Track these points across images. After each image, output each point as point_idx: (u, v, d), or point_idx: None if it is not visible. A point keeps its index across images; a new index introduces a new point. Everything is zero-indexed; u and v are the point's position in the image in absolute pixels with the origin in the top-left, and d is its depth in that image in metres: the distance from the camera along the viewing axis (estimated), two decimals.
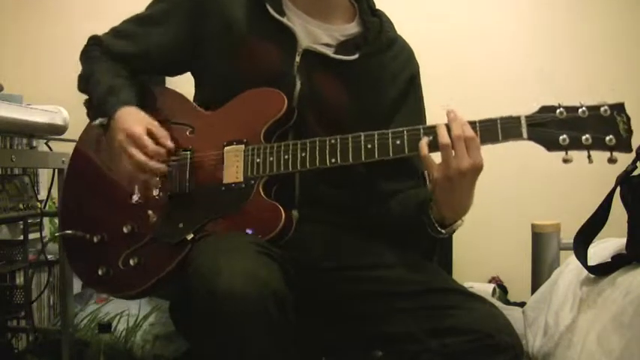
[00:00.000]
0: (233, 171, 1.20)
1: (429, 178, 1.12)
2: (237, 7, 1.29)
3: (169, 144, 1.23)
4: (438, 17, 2.69)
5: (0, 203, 1.71)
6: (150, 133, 1.22)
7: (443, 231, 1.14)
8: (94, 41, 1.40)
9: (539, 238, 1.74)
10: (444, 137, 1.06)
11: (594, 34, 2.62)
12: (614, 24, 2.61)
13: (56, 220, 2.03)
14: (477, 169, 1.06)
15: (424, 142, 1.08)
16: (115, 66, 1.35)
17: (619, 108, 1.04)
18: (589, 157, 1.04)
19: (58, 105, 1.85)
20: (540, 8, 2.68)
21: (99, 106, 1.29)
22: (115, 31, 1.40)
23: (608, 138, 1.02)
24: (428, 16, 2.68)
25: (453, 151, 1.05)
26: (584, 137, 1.03)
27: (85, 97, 1.37)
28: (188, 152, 1.25)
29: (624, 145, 1.02)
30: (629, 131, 1.03)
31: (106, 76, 1.32)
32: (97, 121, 1.28)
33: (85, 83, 1.36)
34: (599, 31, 2.62)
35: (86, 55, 1.40)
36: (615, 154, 1.03)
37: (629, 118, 1.03)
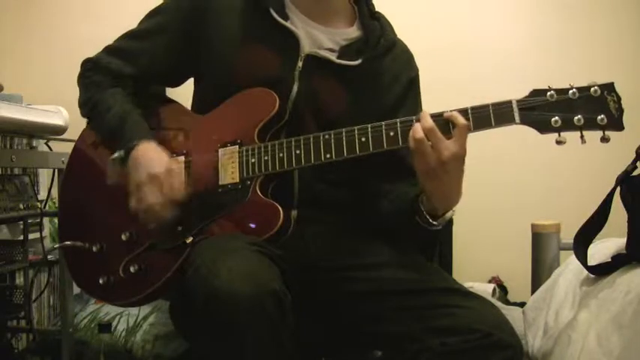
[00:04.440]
0: (229, 172, 1.20)
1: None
2: (237, 12, 1.28)
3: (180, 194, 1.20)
4: (437, 15, 2.69)
5: (0, 203, 1.71)
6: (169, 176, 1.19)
7: (435, 222, 1.15)
8: (90, 64, 1.36)
9: (539, 238, 1.74)
10: (417, 132, 1.07)
11: (593, 33, 2.62)
12: (614, 23, 2.62)
13: (56, 220, 2.03)
14: (457, 157, 1.07)
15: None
16: (120, 91, 1.31)
17: (609, 87, 1.05)
18: (582, 137, 1.05)
19: (58, 105, 1.85)
20: (541, 8, 2.69)
21: (113, 138, 1.26)
22: (110, 50, 1.36)
23: (599, 117, 1.03)
24: (427, 14, 2.68)
25: (430, 143, 1.06)
26: (575, 118, 1.04)
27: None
28: (182, 157, 1.26)
29: (616, 123, 1.03)
30: (620, 110, 1.04)
31: (114, 103, 1.29)
32: (116, 155, 1.23)
33: (89, 110, 1.33)
34: (599, 30, 2.62)
35: (86, 81, 1.35)
36: (608, 133, 1.04)
37: (619, 98, 1.04)
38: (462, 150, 1.06)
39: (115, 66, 1.33)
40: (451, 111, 1.08)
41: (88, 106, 1.33)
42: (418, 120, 1.09)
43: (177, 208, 1.19)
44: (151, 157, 1.21)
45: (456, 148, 1.06)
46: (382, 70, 1.32)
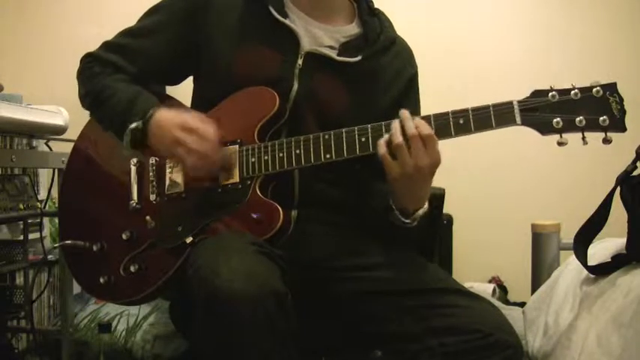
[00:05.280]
0: (229, 172, 1.20)
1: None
2: (237, 11, 1.28)
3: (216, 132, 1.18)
4: (436, 12, 2.69)
5: (0, 203, 1.71)
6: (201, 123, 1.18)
7: (406, 220, 1.15)
8: (89, 59, 1.35)
9: (539, 238, 1.74)
10: (397, 137, 1.07)
11: (593, 30, 2.62)
12: (613, 19, 2.62)
13: (56, 220, 2.03)
14: (434, 165, 1.08)
15: (382, 141, 1.09)
16: (123, 77, 1.30)
17: (611, 88, 1.04)
18: (583, 138, 1.04)
19: (58, 105, 1.85)
20: (542, 5, 2.69)
21: (123, 117, 1.22)
22: (109, 47, 1.34)
23: (601, 119, 1.03)
24: (427, 12, 2.68)
25: (409, 149, 1.06)
26: (577, 119, 1.04)
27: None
28: None
29: (618, 124, 1.03)
30: (623, 111, 1.03)
31: (119, 85, 1.27)
32: (134, 125, 1.20)
33: (93, 99, 1.30)
34: (599, 28, 2.62)
35: (86, 74, 1.33)
36: (610, 134, 1.03)
37: (621, 98, 1.03)
38: (436, 159, 1.08)
39: (115, 61, 1.32)
40: (423, 117, 1.09)
41: (91, 95, 1.30)
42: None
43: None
44: (172, 115, 1.19)
45: (435, 156, 1.07)
46: (382, 66, 1.32)
